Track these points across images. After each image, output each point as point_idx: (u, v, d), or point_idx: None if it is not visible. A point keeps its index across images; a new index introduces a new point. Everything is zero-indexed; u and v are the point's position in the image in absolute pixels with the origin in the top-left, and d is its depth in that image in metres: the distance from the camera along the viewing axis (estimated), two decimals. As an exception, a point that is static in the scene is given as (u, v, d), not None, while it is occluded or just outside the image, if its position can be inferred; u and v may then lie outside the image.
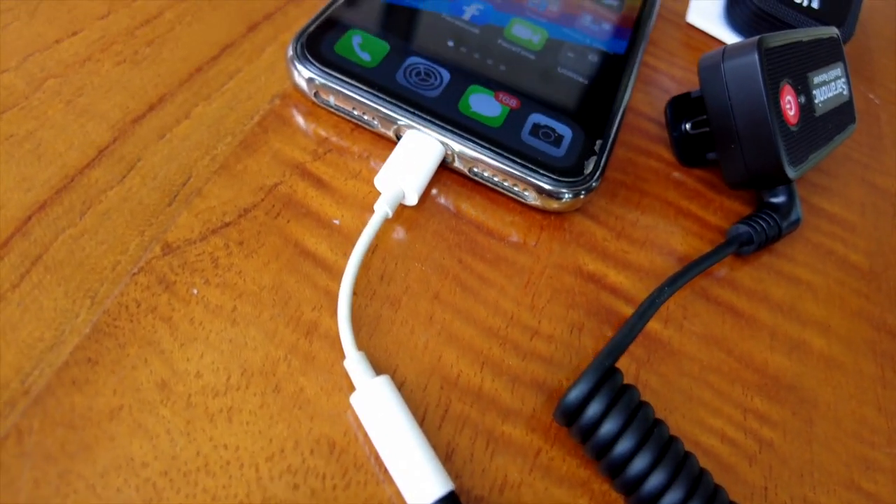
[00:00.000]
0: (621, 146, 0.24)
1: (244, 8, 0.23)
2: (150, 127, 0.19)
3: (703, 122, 0.24)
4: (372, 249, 0.19)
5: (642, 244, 0.22)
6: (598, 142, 0.21)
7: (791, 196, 0.23)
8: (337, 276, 0.18)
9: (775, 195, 0.23)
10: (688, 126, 0.24)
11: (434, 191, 0.21)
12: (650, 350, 0.19)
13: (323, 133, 0.21)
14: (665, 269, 0.21)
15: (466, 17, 0.23)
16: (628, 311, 0.20)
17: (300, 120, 0.21)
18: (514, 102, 0.21)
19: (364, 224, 0.19)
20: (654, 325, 0.20)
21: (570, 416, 0.16)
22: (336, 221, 0.19)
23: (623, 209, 0.23)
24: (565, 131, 0.21)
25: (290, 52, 0.20)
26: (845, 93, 0.26)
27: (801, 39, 0.23)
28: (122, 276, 0.16)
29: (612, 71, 0.24)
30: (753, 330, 0.21)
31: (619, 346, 0.16)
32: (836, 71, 0.25)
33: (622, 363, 0.19)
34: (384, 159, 0.21)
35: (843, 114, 0.26)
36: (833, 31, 0.26)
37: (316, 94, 0.20)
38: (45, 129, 0.18)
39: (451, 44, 0.22)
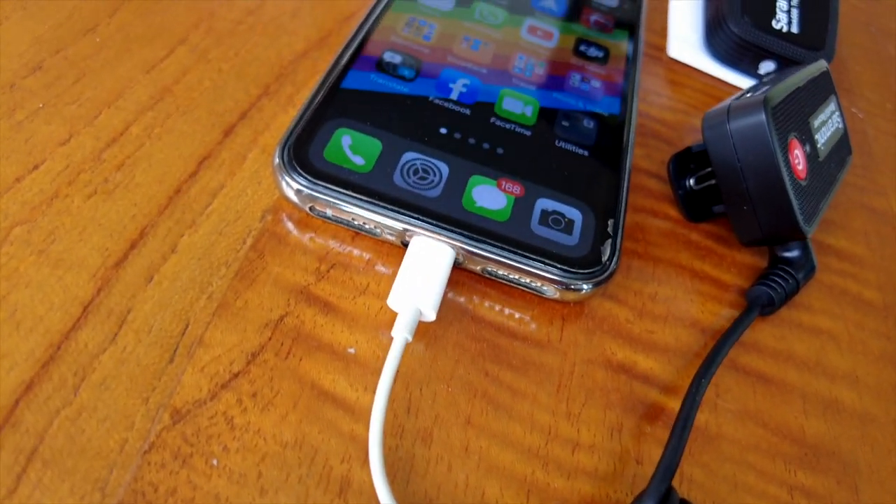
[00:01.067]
0: (627, 210, 0.24)
1: (215, 109, 0.22)
2: (136, 270, 0.18)
3: (707, 176, 0.23)
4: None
5: (665, 320, 0.21)
6: (611, 221, 0.20)
7: (805, 248, 0.22)
8: (361, 416, 0.16)
9: (790, 249, 0.22)
10: (692, 181, 0.24)
11: (448, 294, 0.19)
12: (690, 441, 0.19)
13: (323, 246, 0.19)
14: (691, 345, 0.21)
15: (454, 96, 0.22)
16: (664, 399, 0.19)
17: (296, 235, 0.19)
18: (518, 190, 0.20)
19: (381, 349, 0.18)
20: (690, 412, 0.19)
21: (631, 548, 0.15)
22: (351, 350, 0.18)
23: (640, 282, 0.22)
24: (575, 215, 0.20)
25: (277, 163, 0.19)
26: (840, 125, 0.26)
27: (799, 85, 0.23)
28: (133, 456, 0.15)
29: (611, 136, 0.23)
30: (785, 395, 0.21)
31: (671, 467, 0.16)
32: (831, 106, 0.25)
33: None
34: (392, 267, 0.19)
35: (841, 148, 0.25)
36: (823, 65, 0.25)
37: (311, 209, 0.19)
38: (19, 290, 0.17)
39: (444, 131, 0.21)
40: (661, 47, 0.31)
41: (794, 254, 0.22)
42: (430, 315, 0.18)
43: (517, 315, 0.20)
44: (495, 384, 0.18)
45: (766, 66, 0.30)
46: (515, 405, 0.18)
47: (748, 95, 0.22)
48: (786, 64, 0.29)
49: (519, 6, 0.27)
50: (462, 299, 0.19)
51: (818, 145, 0.23)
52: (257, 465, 0.15)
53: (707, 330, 0.21)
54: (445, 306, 0.19)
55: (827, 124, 0.24)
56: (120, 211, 0.19)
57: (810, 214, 0.21)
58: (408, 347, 0.18)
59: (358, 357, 0.17)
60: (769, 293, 0.21)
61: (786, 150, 0.20)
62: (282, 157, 0.19)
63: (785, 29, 0.29)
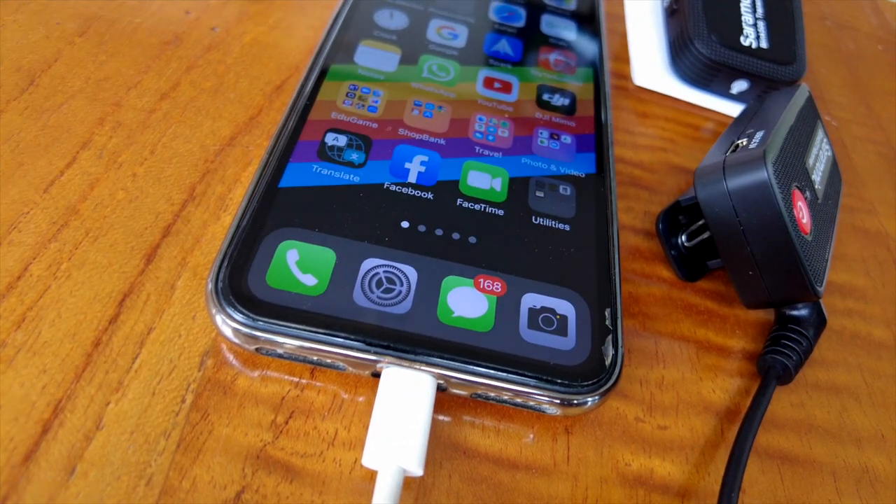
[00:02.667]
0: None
1: (133, 228, 0.18)
2: (51, 461, 0.14)
3: (699, 230, 0.21)
4: (383, 552, 0.15)
5: (676, 410, 0.19)
6: (608, 311, 0.18)
7: (815, 303, 0.20)
8: None
9: (797, 308, 0.20)
10: (683, 238, 0.21)
11: (434, 428, 0.17)
12: (727, 558, 0.16)
13: (278, 390, 0.16)
14: (707, 434, 0.18)
15: (412, 178, 0.19)
16: (688, 510, 0.17)
17: (245, 380, 0.16)
18: (499, 287, 0.17)
19: (364, 515, 0.15)
20: (720, 522, 0.17)
21: None
22: (328, 525, 0.15)
23: (645, 368, 0.19)
24: (567, 309, 0.17)
25: (209, 298, 0.16)
26: (830, 153, 0.24)
27: (792, 122, 0.20)
28: None
29: (592, 201, 0.20)
30: (814, 476, 0.19)
31: None
32: (819, 134, 0.23)
33: None
34: (364, 398, 0.17)
35: (834, 180, 0.23)
36: (805, 90, 0.23)
37: (258, 350, 0.16)
38: None
39: (406, 225, 0.18)
40: (626, 75, 0.29)
41: (803, 312, 0.20)
42: (417, 471, 0.15)
43: (516, 436, 0.17)
44: (502, 534, 0.15)
45: (739, 86, 0.28)
46: (528, 557, 0.15)
47: (739, 143, 0.19)
48: (758, 81, 0.27)
49: (471, 55, 0.24)
50: (451, 429, 0.17)
51: (816, 187, 0.21)
52: None
53: (721, 412, 0.19)
54: (432, 444, 0.16)
55: (819, 158, 0.22)
56: (26, 385, 0.15)
57: (820, 271, 0.19)
58: (393, 508, 0.15)
59: (336, 531, 0.15)
60: (783, 362, 0.19)
61: (790, 206, 0.18)
62: (215, 290, 0.16)
63: (754, 45, 0.27)
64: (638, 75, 0.28)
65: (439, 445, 0.16)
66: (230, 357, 0.17)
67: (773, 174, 0.18)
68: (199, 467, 0.15)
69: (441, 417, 0.17)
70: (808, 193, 0.20)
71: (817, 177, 0.21)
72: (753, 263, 0.19)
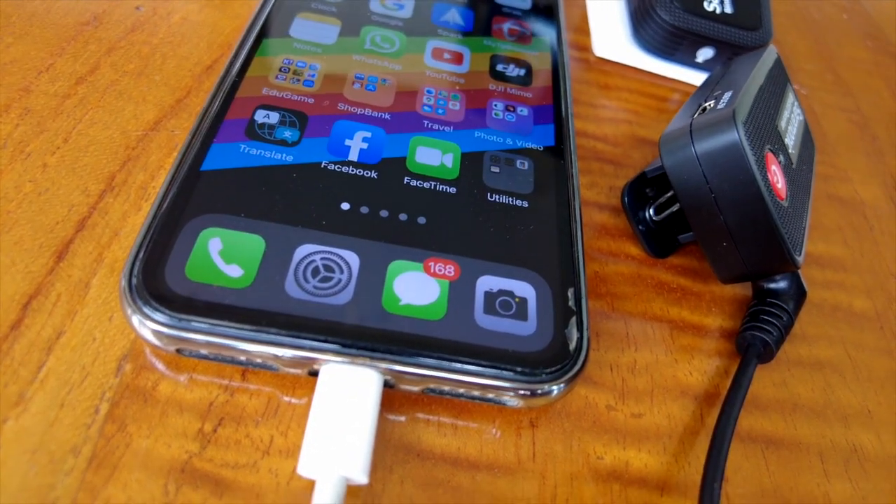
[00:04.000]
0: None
1: (42, 223, 0.16)
2: (-63, 491, 0.12)
3: (668, 202, 0.20)
4: (326, 571, 0.13)
5: (651, 396, 0.17)
6: (571, 291, 0.16)
7: (794, 274, 0.19)
8: None
9: (776, 280, 0.19)
10: (651, 212, 0.20)
11: (382, 425, 0.15)
12: (711, 554, 0.15)
13: (205, 394, 0.15)
14: (685, 420, 0.17)
15: (353, 156, 0.18)
16: (668, 503, 0.15)
17: (168, 385, 0.14)
18: (451, 271, 0.16)
19: (304, 532, 0.13)
20: (702, 514, 0.16)
21: None
22: (263, 544, 0.13)
23: (615, 352, 0.18)
24: (526, 290, 0.16)
25: (123, 295, 0.14)
26: (801, 117, 0.22)
27: (761, 83, 0.19)
28: None
29: (551, 175, 0.19)
30: (800, 458, 0.17)
31: None
32: (790, 97, 0.22)
33: None
34: (302, 400, 0.15)
35: (807, 144, 0.22)
36: (773, 52, 0.22)
37: (179, 350, 0.14)
38: None
39: (346, 207, 0.16)
40: (587, 47, 0.27)
41: (781, 284, 0.19)
42: (361, 478, 0.13)
43: (475, 433, 0.15)
44: (462, 544, 0.14)
45: (705, 54, 0.26)
46: (492, 568, 0.14)
47: (706, 106, 0.18)
48: (724, 48, 0.26)
49: (418, 26, 0.22)
50: (402, 430, 0.15)
51: (789, 151, 0.20)
52: None
53: (699, 395, 0.18)
54: (381, 446, 0.15)
55: (791, 121, 0.21)
56: None
57: (798, 240, 0.18)
58: (338, 522, 0.13)
59: (275, 551, 0.13)
60: (763, 338, 0.18)
61: (764, 169, 0.17)
62: (129, 286, 0.14)
63: (718, 10, 0.26)
64: (599, 46, 0.26)
65: (389, 448, 0.15)
66: (151, 360, 0.15)
67: (744, 135, 0.16)
68: (114, 486, 0.13)
69: (390, 417, 0.15)
70: (781, 157, 0.19)
71: (790, 140, 0.20)
72: (727, 233, 0.17)
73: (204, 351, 0.14)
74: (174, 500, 0.13)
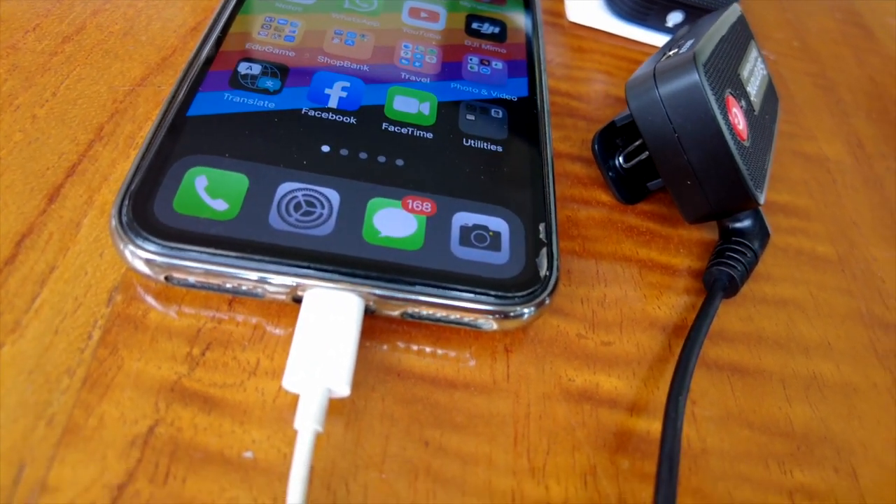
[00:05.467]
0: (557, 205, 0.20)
1: (33, 169, 0.17)
2: (-62, 406, 0.13)
3: (637, 150, 0.21)
4: (309, 477, 0.14)
5: (620, 326, 0.18)
6: (542, 226, 0.17)
7: (757, 214, 0.20)
8: (276, 539, 0.13)
9: (740, 219, 0.20)
10: (621, 160, 0.21)
11: (365, 349, 0.16)
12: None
13: (193, 322, 0.15)
14: (654, 349, 0.18)
15: (333, 103, 0.18)
16: (636, 422, 0.16)
17: (158, 314, 0.15)
18: (428, 207, 0.17)
19: (288, 444, 0.14)
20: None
21: None
22: (248, 454, 0.14)
23: (585, 287, 0.19)
24: (500, 225, 0.17)
25: (113, 227, 0.14)
26: (765, 72, 0.23)
27: (723, 34, 0.20)
28: None
29: (524, 123, 0.20)
30: (764, 384, 0.18)
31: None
32: (753, 52, 0.23)
33: (647, 494, 0.15)
34: (287, 330, 0.16)
35: (770, 97, 0.23)
36: (737, 9, 0.23)
37: (168, 278, 0.15)
38: None
39: (326, 149, 0.17)
40: (560, 12, 0.28)
41: (746, 223, 0.20)
42: (343, 390, 0.14)
43: (453, 357, 0.16)
44: (440, 454, 0.15)
45: (675, 18, 0.27)
46: (468, 474, 0.14)
47: (670, 54, 0.19)
48: (693, 13, 0.27)
49: (395, -13, 0.23)
50: (382, 354, 0.16)
51: (752, 98, 0.21)
52: None
53: (668, 327, 0.19)
54: (363, 368, 0.15)
55: (754, 73, 0.22)
56: None
57: (759, 178, 0.19)
58: (322, 437, 0.14)
59: (258, 462, 0.14)
60: (729, 273, 0.19)
61: (725, 110, 0.18)
62: (119, 219, 0.15)
63: (686, -25, 0.27)
64: (572, 11, 0.27)
65: (371, 370, 0.15)
66: (141, 291, 0.15)
67: (704, 76, 0.17)
68: (108, 403, 0.14)
69: (373, 343, 0.16)
70: (743, 102, 0.20)
71: (752, 89, 0.21)
72: (691, 172, 0.18)
73: (192, 279, 0.15)
74: (165, 415, 0.14)
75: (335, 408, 0.15)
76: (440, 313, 0.15)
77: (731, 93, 0.19)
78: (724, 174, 0.18)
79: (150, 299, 0.15)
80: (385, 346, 0.16)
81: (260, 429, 0.14)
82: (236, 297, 0.16)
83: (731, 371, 0.18)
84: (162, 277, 0.15)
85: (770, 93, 0.23)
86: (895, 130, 0.29)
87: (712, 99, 0.17)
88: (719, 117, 0.17)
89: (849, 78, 0.32)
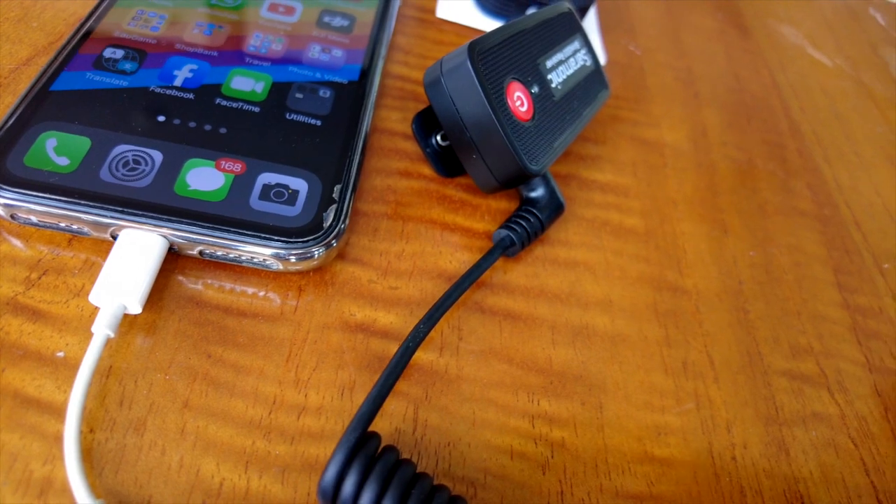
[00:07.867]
0: (378, 174, 0.24)
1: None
2: None
3: (453, 131, 0.24)
4: (106, 373, 0.17)
5: (410, 275, 0.22)
6: (338, 187, 0.21)
7: (548, 186, 0.23)
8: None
9: (533, 189, 0.23)
10: (438, 139, 0.24)
11: (171, 283, 0.19)
12: (427, 385, 0.19)
13: (35, 254, 0.19)
14: (436, 294, 0.21)
15: (178, 83, 0.22)
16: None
17: (8, 246, 0.19)
18: (238, 167, 0.20)
19: (93, 348, 0.18)
20: (428, 357, 0.20)
21: (329, 496, 0.16)
22: (60, 354, 0.17)
23: (386, 243, 0.22)
24: (300, 185, 0.20)
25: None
26: (589, 63, 0.27)
27: (525, 27, 0.23)
28: None
29: (348, 103, 0.23)
30: (533, 329, 0.21)
31: (366, 415, 0.16)
32: (574, 45, 0.26)
33: (398, 409, 0.19)
34: (111, 265, 0.19)
35: (591, 85, 0.26)
36: (563, 6, 0.26)
37: (13, 217, 0.19)
38: None
39: (161, 118, 0.21)
40: (432, 9, 0.31)
41: (537, 193, 0.23)
42: (136, 308, 0.18)
43: (249, 293, 0.20)
44: (218, 365, 0.18)
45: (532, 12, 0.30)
46: (238, 382, 0.18)
47: (465, 47, 0.22)
48: (551, 10, 0.30)
49: (260, -15, 0.27)
50: (187, 288, 0.19)
51: (553, 85, 0.24)
52: (-54, 482, 0.15)
53: (454, 277, 0.22)
54: (169, 295, 0.19)
55: (567, 63, 0.25)
56: None
57: (538, 154, 0.22)
58: (123, 344, 0.18)
59: (67, 360, 0.17)
60: (510, 235, 0.22)
61: (501, 91, 0.21)
62: (-23, 169, 0.18)
63: (543, -24, 0.30)
64: (441, 8, 0.31)
65: (173, 298, 0.19)
66: (-3, 229, 0.19)
67: (477, 62, 0.21)
68: (-48, 311, 0.18)
69: (180, 278, 0.20)
70: (535, 88, 0.23)
71: (558, 78, 0.24)
72: (474, 147, 0.22)
73: (34, 218, 0.19)
74: (-2, 322, 0.18)
75: (139, 324, 0.18)
76: (232, 254, 0.19)
77: (516, 78, 0.22)
78: (496, 147, 0.21)
79: (4, 234, 0.19)
80: (190, 281, 0.20)
81: (74, 336, 0.18)
82: (73, 235, 0.19)
83: (504, 316, 0.22)
84: (8, 216, 0.19)
85: (593, 81, 0.26)
86: (744, 122, 0.32)
87: (483, 82, 0.20)
88: (488, 100, 0.21)
89: (713, 73, 0.34)
